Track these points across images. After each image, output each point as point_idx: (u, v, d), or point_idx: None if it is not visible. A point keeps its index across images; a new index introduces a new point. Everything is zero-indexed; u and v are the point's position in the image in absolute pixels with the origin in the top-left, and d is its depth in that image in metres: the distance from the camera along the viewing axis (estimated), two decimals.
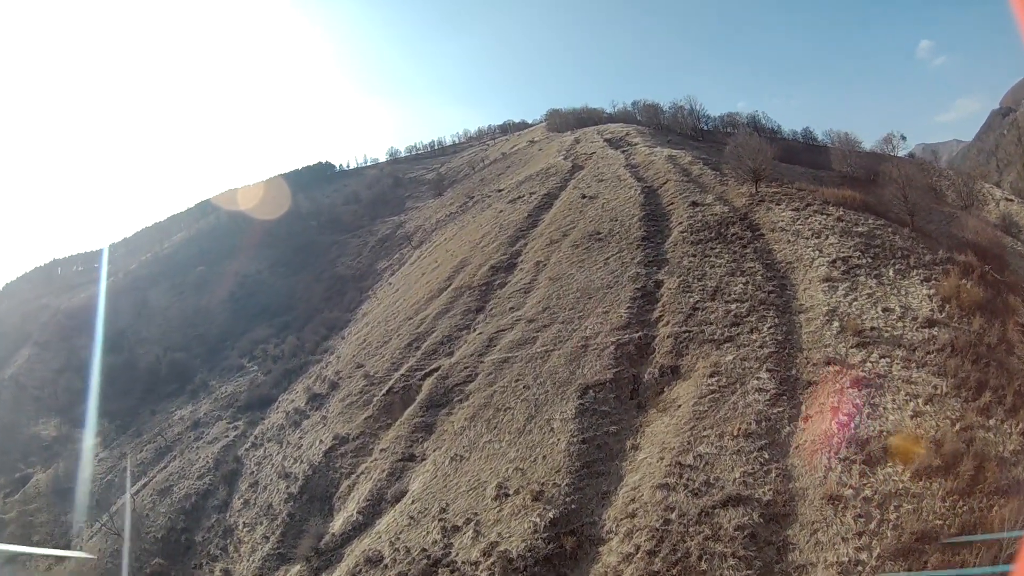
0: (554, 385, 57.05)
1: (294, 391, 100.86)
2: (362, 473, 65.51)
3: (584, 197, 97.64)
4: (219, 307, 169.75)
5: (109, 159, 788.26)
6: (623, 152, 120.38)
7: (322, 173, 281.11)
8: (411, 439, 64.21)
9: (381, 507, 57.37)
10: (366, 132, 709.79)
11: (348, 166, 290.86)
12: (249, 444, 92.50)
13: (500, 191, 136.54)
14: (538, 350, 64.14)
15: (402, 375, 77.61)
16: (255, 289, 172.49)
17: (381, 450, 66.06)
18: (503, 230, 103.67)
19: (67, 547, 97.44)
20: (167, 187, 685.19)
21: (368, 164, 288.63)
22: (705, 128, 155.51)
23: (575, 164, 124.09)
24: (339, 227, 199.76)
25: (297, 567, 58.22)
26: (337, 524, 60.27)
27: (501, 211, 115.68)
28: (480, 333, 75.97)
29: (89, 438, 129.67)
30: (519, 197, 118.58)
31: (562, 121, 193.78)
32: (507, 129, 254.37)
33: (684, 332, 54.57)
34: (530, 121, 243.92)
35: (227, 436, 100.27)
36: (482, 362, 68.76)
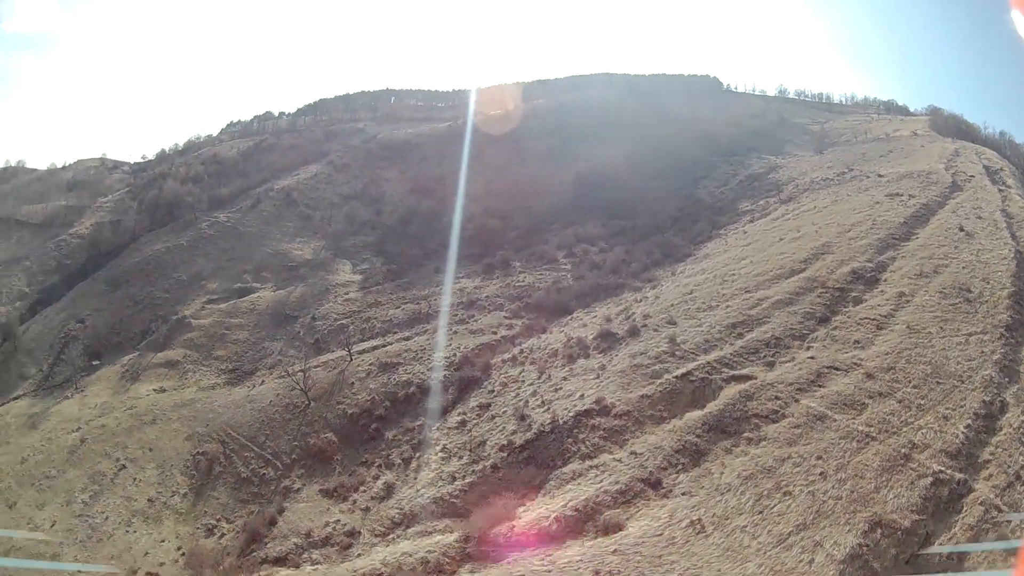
0: (850, 494, 45.44)
1: (592, 314, 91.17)
2: (597, 468, 55.22)
3: (962, 230, 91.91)
4: (557, 187, 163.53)
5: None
6: (1000, 191, 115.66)
7: (708, 86, 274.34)
8: (671, 459, 53.08)
9: (583, 529, 47.45)
10: (754, 60, 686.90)
11: (735, 88, 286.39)
12: (509, 356, 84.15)
13: (880, 177, 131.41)
14: (860, 427, 52.09)
15: (708, 363, 65.57)
16: (601, 182, 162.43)
17: (632, 453, 55.33)
18: (875, 227, 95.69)
19: (251, 373, 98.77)
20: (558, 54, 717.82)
21: (755, 93, 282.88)
22: None
23: (954, 181, 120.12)
24: (712, 146, 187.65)
25: (451, 538, 50.75)
26: (526, 517, 50.98)
27: (877, 203, 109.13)
28: (812, 357, 63.50)
29: (347, 273, 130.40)
30: (897, 194, 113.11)
31: (942, 124, 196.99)
32: (890, 109, 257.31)
33: (993, 507, 44.53)
34: (911, 108, 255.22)
35: (495, 333, 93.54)
36: (797, 401, 56.64)
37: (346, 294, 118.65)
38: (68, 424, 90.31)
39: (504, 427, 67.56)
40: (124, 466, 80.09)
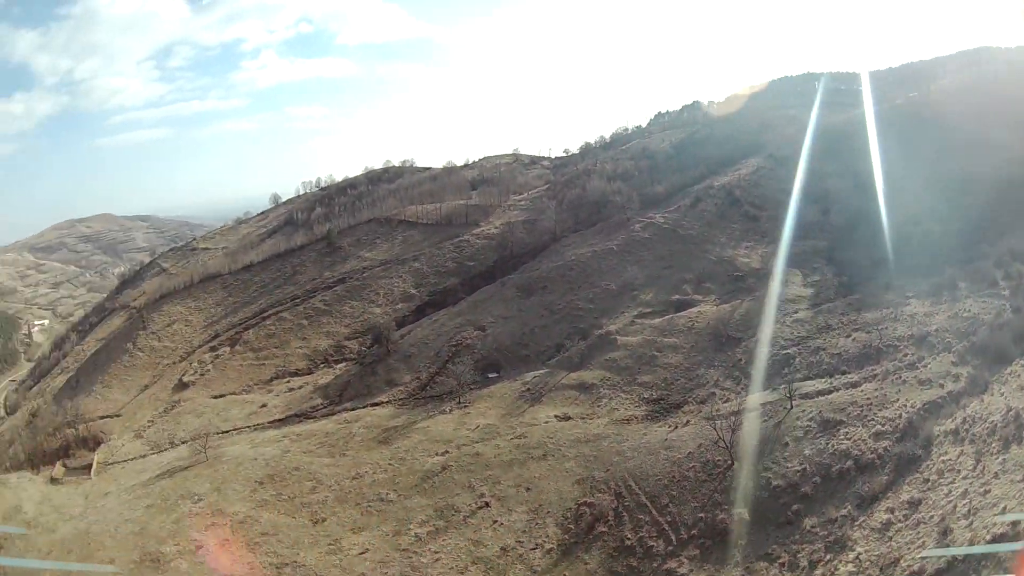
0: None
1: None
2: None
3: None
4: (985, 182, 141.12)
5: None
6: None
7: None
8: None
9: None
10: None
11: None
12: (954, 424, 66.87)
13: None
14: None
15: None
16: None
17: None
18: None
19: (678, 406, 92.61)
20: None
21: None
22: None
23: None
24: None
25: None
26: None
27: None
28: None
29: (797, 286, 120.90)
30: None
31: None
32: None
33: None
34: None
35: (941, 386, 76.52)
36: None
37: (795, 313, 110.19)
38: (433, 445, 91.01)
39: (924, 543, 53.19)
40: (487, 504, 78.97)
